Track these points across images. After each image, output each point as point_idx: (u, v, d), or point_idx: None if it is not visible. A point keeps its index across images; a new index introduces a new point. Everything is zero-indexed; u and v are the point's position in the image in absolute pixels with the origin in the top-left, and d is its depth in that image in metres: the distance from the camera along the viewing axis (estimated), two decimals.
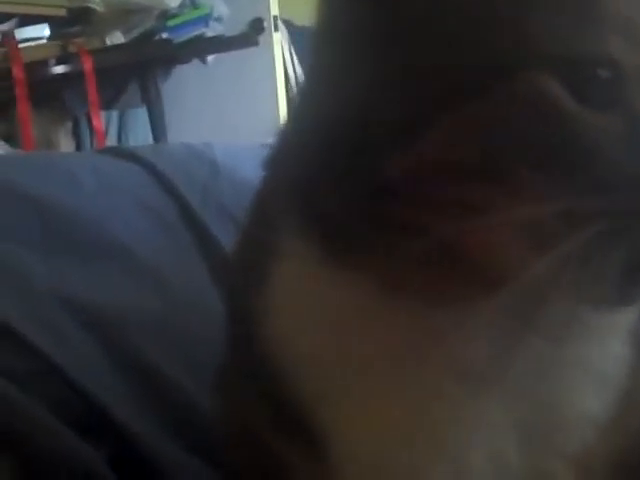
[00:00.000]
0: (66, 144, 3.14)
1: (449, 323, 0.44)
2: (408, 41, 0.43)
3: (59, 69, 2.76)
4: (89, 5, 2.80)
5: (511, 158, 0.40)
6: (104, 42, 2.78)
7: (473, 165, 0.41)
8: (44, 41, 2.80)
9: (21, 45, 2.70)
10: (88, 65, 2.69)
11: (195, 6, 2.87)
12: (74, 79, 2.75)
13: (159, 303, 0.93)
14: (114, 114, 3.12)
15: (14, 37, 2.69)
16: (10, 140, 2.82)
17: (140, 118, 3.08)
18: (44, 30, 2.81)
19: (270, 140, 0.54)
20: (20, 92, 2.66)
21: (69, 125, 3.15)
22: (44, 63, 2.73)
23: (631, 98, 0.42)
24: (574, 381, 0.50)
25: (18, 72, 2.63)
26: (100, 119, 2.85)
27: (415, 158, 0.41)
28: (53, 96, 3.07)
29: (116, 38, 2.80)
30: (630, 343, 0.52)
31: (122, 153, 1.12)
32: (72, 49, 2.74)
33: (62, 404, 0.75)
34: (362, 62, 0.44)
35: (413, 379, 0.48)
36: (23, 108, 2.69)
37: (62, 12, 2.85)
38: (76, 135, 3.16)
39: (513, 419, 0.49)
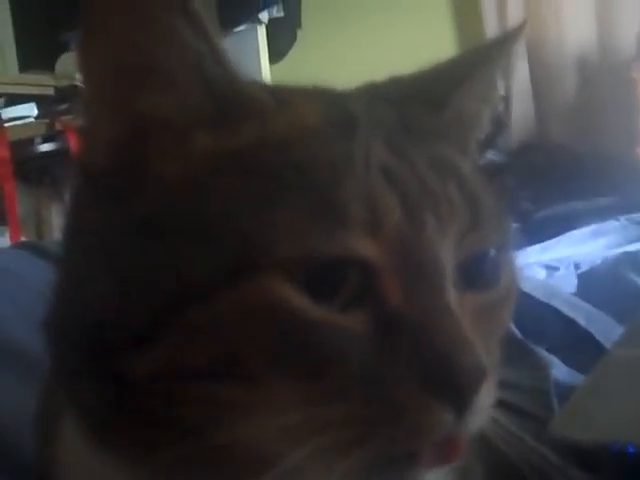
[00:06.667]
0: (59, 221, 3.14)
1: None
2: (139, 239, 0.40)
3: (46, 147, 2.77)
4: (77, 83, 2.81)
5: (249, 361, 0.38)
6: None
7: (215, 366, 0.38)
8: (32, 120, 2.81)
9: (8, 124, 2.71)
10: (74, 143, 2.69)
11: None
12: (63, 156, 2.75)
13: None
14: None
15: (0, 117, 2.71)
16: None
17: None
18: (32, 109, 2.83)
19: None
20: (5, 171, 2.65)
21: (66, 201, 3.16)
22: (30, 141, 2.74)
23: (380, 293, 0.39)
24: None
25: (3, 151, 2.63)
26: None
27: (156, 359, 0.39)
28: (43, 173, 3.08)
29: None
30: (451, 478, 0.48)
31: (36, 249, 1.06)
32: (59, 127, 2.75)
33: None
34: (99, 255, 0.42)
35: None
36: (9, 187, 2.69)
37: (50, 91, 2.87)
38: None
39: None
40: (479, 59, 0.50)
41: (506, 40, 0.52)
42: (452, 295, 0.40)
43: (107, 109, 0.42)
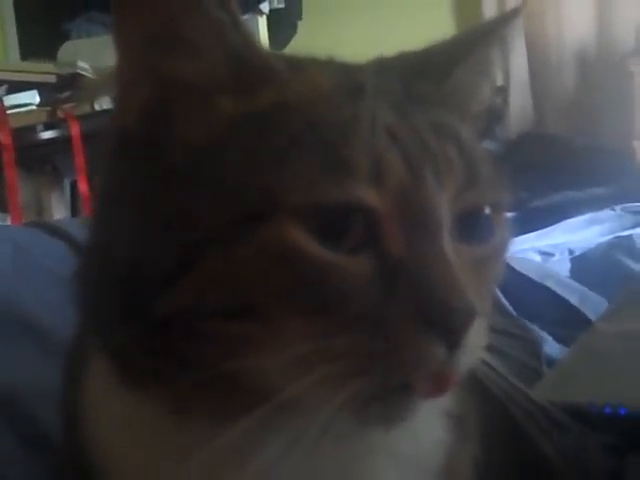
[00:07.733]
0: (59, 208, 3.15)
1: (230, 437, 0.43)
2: (167, 190, 0.44)
3: (47, 134, 2.78)
4: (78, 72, 2.83)
5: (264, 299, 0.42)
6: (93, 107, 2.80)
7: (233, 304, 0.42)
8: (34, 107, 2.82)
9: (10, 111, 2.72)
10: (75, 130, 2.70)
11: None
12: (64, 144, 2.76)
13: None
14: None
15: (2, 103, 2.71)
16: (1, 205, 2.83)
17: None
18: (34, 97, 2.84)
19: None
20: (8, 158, 2.67)
21: (66, 189, 3.17)
22: (32, 129, 2.75)
23: (383, 239, 0.42)
24: (379, 469, 0.50)
25: (5, 138, 2.64)
26: (87, 184, 2.84)
27: (179, 298, 0.43)
28: (45, 160, 3.09)
29: (105, 103, 2.81)
30: (447, 426, 0.52)
31: (47, 227, 1.11)
32: (60, 114, 2.76)
33: None
34: (131, 206, 0.46)
35: None
36: (10, 173, 2.70)
37: (52, 79, 2.87)
38: (73, 199, 3.18)
39: None
40: (479, 36, 0.54)
41: (505, 19, 0.55)
42: (448, 244, 0.43)
43: (139, 75, 0.45)
